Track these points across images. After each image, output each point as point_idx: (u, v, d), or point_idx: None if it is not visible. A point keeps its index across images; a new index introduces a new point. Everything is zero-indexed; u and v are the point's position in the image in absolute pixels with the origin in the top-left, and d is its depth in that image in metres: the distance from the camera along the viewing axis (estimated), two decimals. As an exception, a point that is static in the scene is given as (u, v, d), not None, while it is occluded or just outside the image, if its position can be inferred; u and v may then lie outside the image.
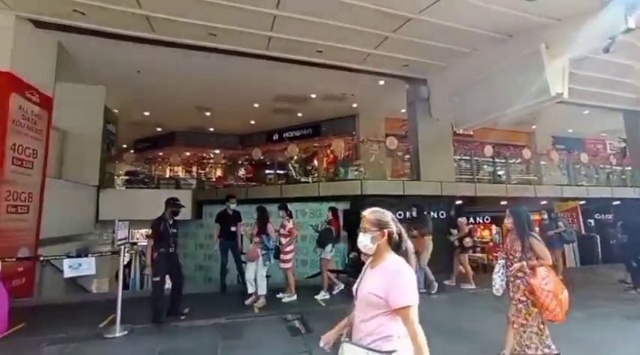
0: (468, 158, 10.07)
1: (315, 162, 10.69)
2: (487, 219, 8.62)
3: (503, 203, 8.41)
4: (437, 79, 8.20)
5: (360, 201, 7.45)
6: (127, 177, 10.89)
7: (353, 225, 7.11)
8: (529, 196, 8.90)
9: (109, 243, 9.22)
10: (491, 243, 10.21)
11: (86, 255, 4.23)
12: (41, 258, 5.61)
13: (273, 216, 5.59)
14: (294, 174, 10.37)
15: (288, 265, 5.51)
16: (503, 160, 10.60)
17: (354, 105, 11.04)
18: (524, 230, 2.99)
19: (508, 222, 3.13)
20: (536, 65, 5.68)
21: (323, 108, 11.15)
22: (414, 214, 6.21)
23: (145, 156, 13.19)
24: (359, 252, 5.91)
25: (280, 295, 5.45)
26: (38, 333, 3.85)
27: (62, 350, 3.44)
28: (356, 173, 9.13)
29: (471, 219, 8.54)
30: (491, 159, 10.32)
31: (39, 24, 5.89)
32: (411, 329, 1.36)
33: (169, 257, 4.38)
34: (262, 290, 4.99)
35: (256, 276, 5.02)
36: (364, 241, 1.54)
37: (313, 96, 10.11)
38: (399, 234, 1.53)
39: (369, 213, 1.58)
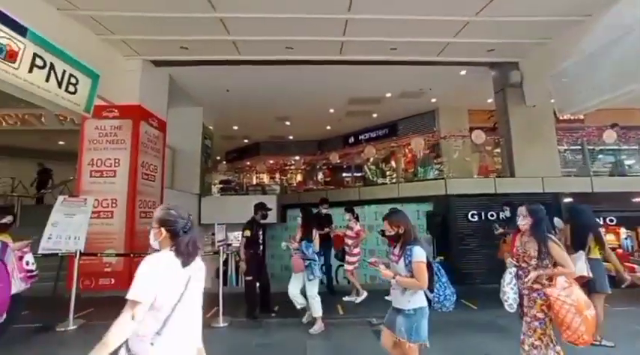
0: (579, 147, 8.45)
1: (393, 163, 10.40)
2: (612, 221, 7.09)
3: (636, 200, 6.84)
4: (532, 60, 7.12)
5: (445, 202, 6.96)
6: (221, 186, 12.30)
7: (438, 228, 6.69)
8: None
9: (209, 244, 10.53)
10: (619, 250, 8.39)
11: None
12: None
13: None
14: (369, 175, 10.26)
15: (351, 267, 5.45)
16: (635, 147, 8.54)
17: (433, 100, 10.40)
18: (543, 231, 2.54)
19: (524, 222, 2.66)
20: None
21: (399, 106, 10.79)
22: (507, 214, 5.42)
23: (235, 166, 14.70)
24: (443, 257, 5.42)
25: (346, 298, 5.41)
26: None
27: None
28: (436, 172, 8.56)
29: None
30: (614, 147, 8.41)
31: (157, 63, 7.18)
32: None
33: (258, 258, 4.76)
34: (317, 312, 4.12)
35: (306, 295, 4.21)
36: (150, 238, 1.62)
37: (388, 95, 9.87)
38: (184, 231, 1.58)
39: (156, 211, 1.65)
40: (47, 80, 4.49)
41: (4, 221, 3.59)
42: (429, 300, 2.38)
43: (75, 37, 5.39)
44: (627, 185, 7.22)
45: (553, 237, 2.56)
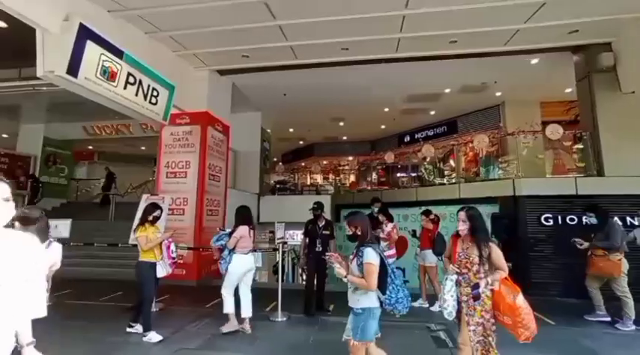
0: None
1: (452, 162, 9.82)
2: None
3: None
4: (630, 39, 6.06)
5: (513, 203, 6.36)
6: (278, 185, 12.85)
7: (504, 231, 6.13)
8: None
9: (266, 241, 11.07)
10: None
11: (255, 251, 5.20)
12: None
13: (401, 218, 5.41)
14: (425, 175, 9.82)
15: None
16: None
17: (498, 93, 9.59)
18: (483, 236, 2.53)
19: (462, 228, 2.59)
20: None
21: (459, 102, 10.17)
22: (592, 221, 4.64)
23: (290, 167, 15.23)
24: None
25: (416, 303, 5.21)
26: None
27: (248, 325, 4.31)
28: (500, 172, 7.85)
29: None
30: None
31: (222, 72, 7.81)
32: None
33: (316, 256, 4.84)
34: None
35: None
36: None
37: (447, 91, 9.37)
38: None
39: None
40: (137, 94, 5.19)
41: (155, 214, 4.10)
42: (382, 302, 2.42)
43: (156, 54, 6.11)
44: None
45: (494, 240, 2.60)
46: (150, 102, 5.54)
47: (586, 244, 4.55)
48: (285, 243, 5.08)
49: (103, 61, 4.57)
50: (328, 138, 14.78)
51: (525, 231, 6.12)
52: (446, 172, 9.93)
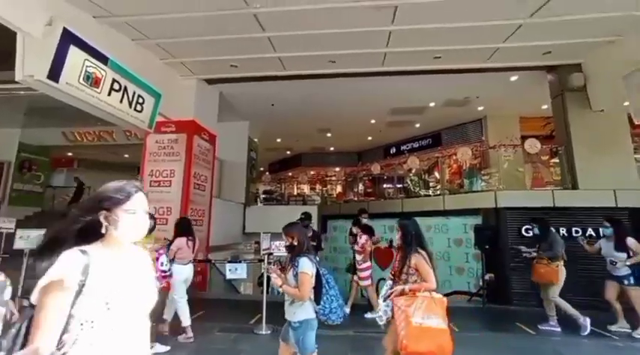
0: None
1: (437, 174, 10.03)
2: None
3: None
4: (599, 61, 6.47)
5: (495, 215, 6.53)
6: (264, 195, 12.74)
7: (487, 243, 6.27)
8: None
9: (252, 251, 10.90)
10: None
11: (239, 262, 5.13)
12: (212, 261, 7.16)
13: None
14: (411, 187, 9.99)
15: (367, 282, 5.24)
16: None
17: (480, 108, 9.93)
18: (409, 246, 2.58)
19: (397, 237, 2.71)
20: None
21: (443, 115, 10.46)
22: (536, 231, 5.02)
23: (277, 177, 15.17)
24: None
25: (369, 315, 5.12)
26: (212, 321, 4.84)
27: (228, 338, 4.22)
28: (483, 184, 8.09)
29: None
30: None
31: (209, 81, 7.77)
32: None
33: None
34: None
35: None
36: None
37: (432, 104, 9.63)
38: None
39: None
40: (121, 101, 5.09)
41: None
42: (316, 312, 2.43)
43: (142, 61, 6.03)
44: None
45: (423, 252, 2.58)
46: (135, 109, 5.45)
47: (533, 252, 4.89)
48: (271, 254, 5.01)
49: (87, 66, 4.48)
50: (315, 148, 14.85)
51: (507, 242, 6.27)
52: (431, 184, 10.14)
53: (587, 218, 6.03)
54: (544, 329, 4.72)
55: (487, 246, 6.12)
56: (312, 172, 15.39)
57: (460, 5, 5.05)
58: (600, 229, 5.08)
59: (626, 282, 4.38)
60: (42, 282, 0.98)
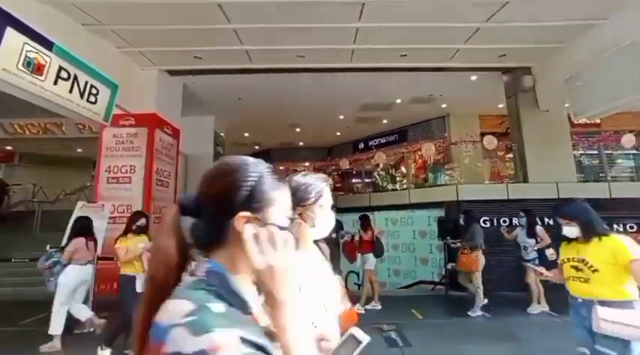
0: (596, 152, 8.27)
1: (403, 169, 10.38)
2: (632, 228, 6.86)
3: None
4: (545, 65, 7.06)
5: (456, 208, 6.90)
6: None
7: (449, 234, 6.63)
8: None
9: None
10: None
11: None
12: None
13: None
14: (379, 181, 10.26)
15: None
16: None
17: (444, 105, 10.36)
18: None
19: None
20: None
21: (409, 112, 10.78)
22: (462, 223, 5.45)
23: (246, 172, 14.86)
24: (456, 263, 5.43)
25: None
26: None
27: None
28: (447, 178, 8.52)
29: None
30: (635, 151, 8.16)
31: (172, 72, 7.39)
32: None
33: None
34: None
35: None
36: None
37: (398, 101, 9.90)
38: None
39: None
40: (71, 91, 4.68)
41: (139, 223, 3.75)
42: None
43: (96, 49, 5.61)
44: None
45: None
46: (88, 100, 5.05)
47: (458, 244, 5.43)
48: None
49: (27, 51, 4.05)
50: (285, 143, 14.72)
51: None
52: (397, 178, 10.47)
53: (538, 208, 6.55)
54: (474, 315, 5.00)
55: (448, 237, 6.46)
56: (281, 167, 15.25)
57: (424, 6, 5.22)
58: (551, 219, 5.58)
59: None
60: None
